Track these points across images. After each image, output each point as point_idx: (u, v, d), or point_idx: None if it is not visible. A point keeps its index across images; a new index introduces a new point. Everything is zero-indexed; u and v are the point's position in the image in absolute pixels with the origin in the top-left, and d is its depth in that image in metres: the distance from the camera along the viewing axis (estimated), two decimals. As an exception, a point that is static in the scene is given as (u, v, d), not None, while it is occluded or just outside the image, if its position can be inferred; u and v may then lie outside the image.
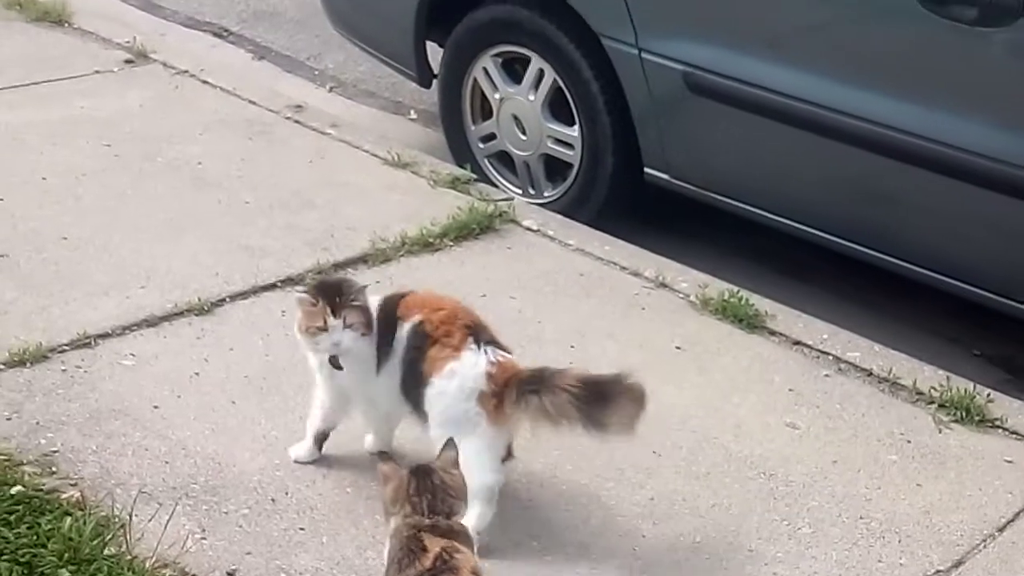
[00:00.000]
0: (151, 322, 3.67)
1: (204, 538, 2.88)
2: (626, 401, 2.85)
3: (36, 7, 5.97)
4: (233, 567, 2.82)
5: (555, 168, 4.79)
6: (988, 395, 3.64)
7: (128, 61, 5.54)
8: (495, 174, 4.94)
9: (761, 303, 4.01)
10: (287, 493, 3.05)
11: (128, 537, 2.81)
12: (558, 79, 4.62)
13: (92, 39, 5.76)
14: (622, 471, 3.22)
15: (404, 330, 2.96)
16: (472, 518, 2.74)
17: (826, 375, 3.73)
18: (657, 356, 3.74)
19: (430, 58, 5.09)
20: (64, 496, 2.92)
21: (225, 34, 6.62)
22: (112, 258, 3.99)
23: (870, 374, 3.73)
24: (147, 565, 2.75)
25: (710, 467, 3.28)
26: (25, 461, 3.03)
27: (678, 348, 3.80)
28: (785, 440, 3.42)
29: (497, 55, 4.79)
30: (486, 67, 4.82)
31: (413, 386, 2.94)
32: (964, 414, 3.55)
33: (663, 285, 4.12)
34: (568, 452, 3.22)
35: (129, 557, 2.76)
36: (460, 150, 5.03)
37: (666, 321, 3.94)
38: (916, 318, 4.32)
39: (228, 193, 4.47)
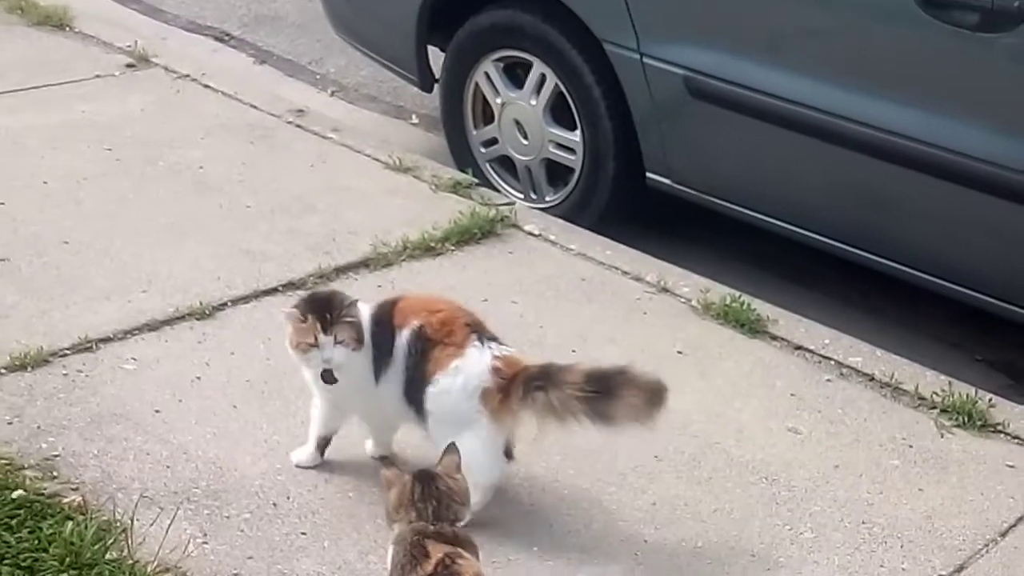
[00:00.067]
0: (152, 326, 3.67)
1: (206, 543, 2.88)
2: (631, 393, 2.86)
3: (37, 11, 5.97)
4: (235, 572, 2.81)
5: (557, 173, 4.79)
6: (990, 400, 3.64)
7: (129, 65, 5.54)
8: (497, 178, 4.94)
9: (763, 308, 4.01)
10: (289, 497, 3.04)
11: (129, 542, 2.80)
12: (560, 84, 4.62)
13: (93, 43, 5.76)
14: (624, 476, 3.22)
15: (404, 336, 2.95)
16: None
17: (828, 380, 3.73)
18: (659, 361, 3.72)
19: (432, 62, 5.09)
20: (65, 500, 2.91)
21: (226, 38, 6.62)
22: (113, 262, 3.99)
23: (872, 379, 3.73)
24: (149, 570, 2.75)
25: (712, 472, 3.28)
26: (26, 465, 3.03)
27: (680, 353, 3.80)
28: (787, 445, 3.42)
29: (499, 60, 4.79)
30: (488, 72, 4.82)
31: (417, 390, 2.94)
32: (966, 419, 3.55)
33: (665, 290, 4.12)
34: (569, 456, 3.22)
35: (131, 562, 2.75)
36: (462, 154, 5.03)
37: (668, 326, 3.94)
38: (918, 323, 4.32)
39: (229, 197, 4.47)
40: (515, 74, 4.79)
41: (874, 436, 3.48)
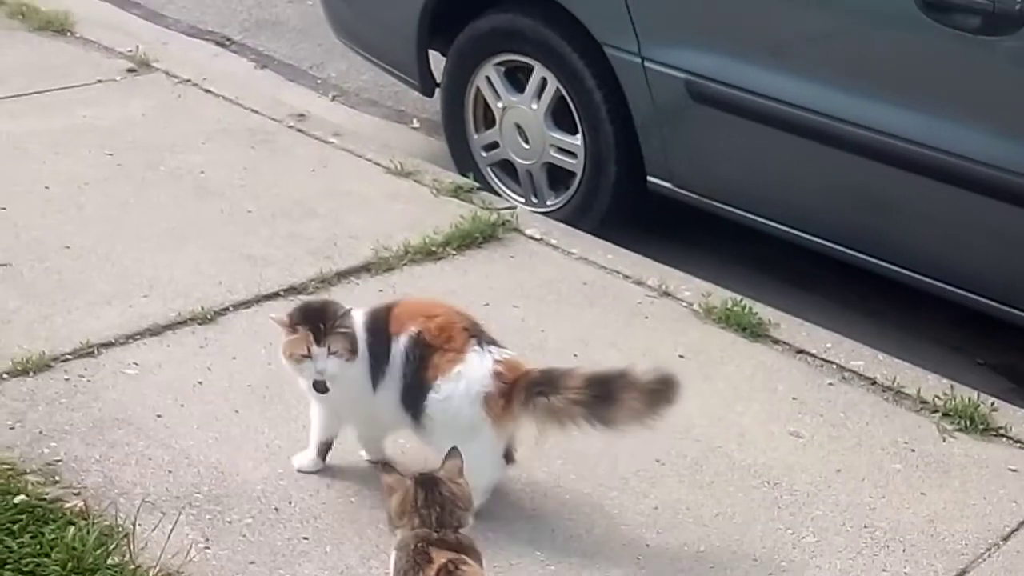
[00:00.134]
0: (154, 331, 3.67)
1: (208, 547, 2.87)
2: (632, 397, 2.87)
3: (39, 16, 5.97)
4: (237, 577, 2.82)
5: (558, 177, 4.79)
6: (992, 404, 3.64)
7: (131, 70, 5.54)
8: (498, 183, 4.94)
9: (764, 312, 4.01)
10: (291, 502, 3.04)
11: (132, 547, 2.80)
12: (561, 88, 4.62)
13: (94, 48, 5.77)
14: (625, 480, 3.22)
15: (401, 343, 2.95)
16: None
17: (830, 384, 3.73)
18: (660, 365, 3.72)
19: (433, 67, 5.10)
20: (67, 505, 2.91)
21: (227, 43, 6.63)
22: (115, 267, 3.99)
23: (874, 383, 3.73)
24: (151, 575, 2.74)
25: (714, 476, 3.28)
26: (28, 470, 3.03)
27: (681, 357, 3.79)
28: (789, 449, 3.42)
29: (500, 64, 4.80)
30: (489, 76, 4.83)
31: (416, 396, 2.94)
32: (968, 423, 3.55)
33: (666, 294, 4.12)
34: (571, 461, 3.22)
35: (133, 567, 2.75)
36: (463, 159, 5.03)
37: (669, 330, 3.94)
38: (920, 327, 4.32)
39: (231, 202, 4.47)
40: (516, 78, 4.79)
41: (876, 440, 3.48)
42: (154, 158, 4.75)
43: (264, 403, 3.37)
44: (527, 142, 4.79)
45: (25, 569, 2.70)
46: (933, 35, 3.69)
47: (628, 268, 4.26)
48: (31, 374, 3.40)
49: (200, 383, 3.45)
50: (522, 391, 2.90)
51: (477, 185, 4.75)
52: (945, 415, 3.59)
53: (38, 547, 2.75)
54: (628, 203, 4.67)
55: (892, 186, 3.94)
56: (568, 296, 4.08)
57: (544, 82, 4.66)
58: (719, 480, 3.27)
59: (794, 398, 3.64)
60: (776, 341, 3.90)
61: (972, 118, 3.75)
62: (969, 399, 3.62)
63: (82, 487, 3.00)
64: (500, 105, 4.83)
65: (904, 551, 3.07)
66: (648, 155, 4.50)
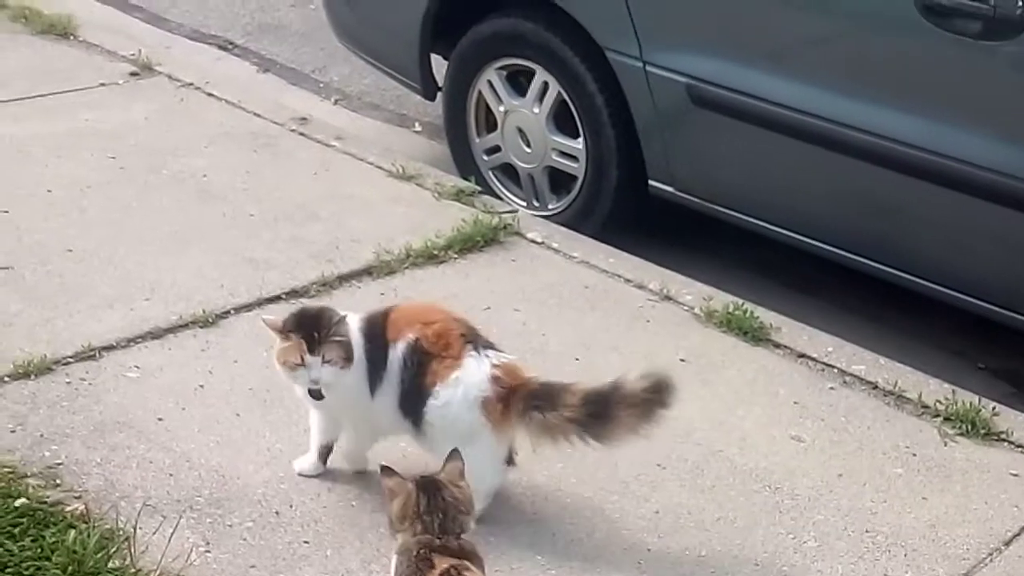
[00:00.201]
0: (155, 334, 3.67)
1: (208, 551, 2.87)
2: (627, 413, 2.87)
3: (42, 20, 5.98)
4: (237, 580, 2.82)
5: (559, 180, 4.79)
6: (993, 408, 3.63)
7: (133, 74, 5.55)
8: (499, 186, 4.95)
9: (766, 316, 4.01)
10: (291, 506, 3.04)
11: (132, 550, 2.80)
12: (562, 92, 4.62)
13: (97, 52, 5.78)
14: (627, 484, 3.21)
15: (399, 350, 2.94)
16: None
17: (831, 388, 3.73)
18: (655, 367, 3.72)
19: (435, 71, 5.10)
20: (68, 509, 2.91)
21: (230, 47, 6.64)
22: (117, 270, 3.99)
23: (875, 387, 3.73)
24: (151, 578, 2.75)
25: (715, 480, 3.28)
26: (29, 473, 3.03)
27: (682, 361, 3.79)
28: (790, 453, 3.41)
29: (502, 68, 4.80)
30: (491, 80, 4.83)
31: (415, 402, 2.93)
32: (969, 427, 3.55)
33: (667, 297, 4.12)
34: (572, 465, 3.21)
35: (133, 570, 2.75)
36: (464, 162, 5.04)
37: (670, 334, 3.94)
38: (921, 331, 4.31)
39: (233, 206, 4.48)
40: (518, 82, 4.80)
41: (878, 444, 3.48)
42: (156, 162, 4.75)
43: (265, 407, 3.37)
44: (529, 146, 4.79)
45: (26, 572, 2.70)
46: (934, 40, 3.69)
47: (629, 272, 4.26)
48: (32, 377, 3.40)
49: (201, 386, 3.46)
50: (520, 401, 2.90)
51: (479, 189, 4.75)
52: (946, 420, 3.59)
53: (39, 550, 2.75)
54: (629, 207, 4.67)
55: (894, 191, 3.94)
56: (569, 300, 4.08)
57: (546, 86, 4.67)
58: (720, 484, 3.26)
59: (795, 402, 3.64)
60: (777, 345, 3.90)
61: (973, 123, 3.75)
62: (971, 404, 3.62)
63: (83, 490, 3.00)
64: (502, 109, 4.83)
65: (906, 555, 3.07)
66: (650, 159, 4.50)
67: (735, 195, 4.38)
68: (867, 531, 3.14)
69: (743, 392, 3.67)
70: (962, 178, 3.75)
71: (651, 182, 4.53)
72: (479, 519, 2.86)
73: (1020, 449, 3.50)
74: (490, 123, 4.93)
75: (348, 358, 2.91)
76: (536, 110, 4.72)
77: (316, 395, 2.97)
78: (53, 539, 2.78)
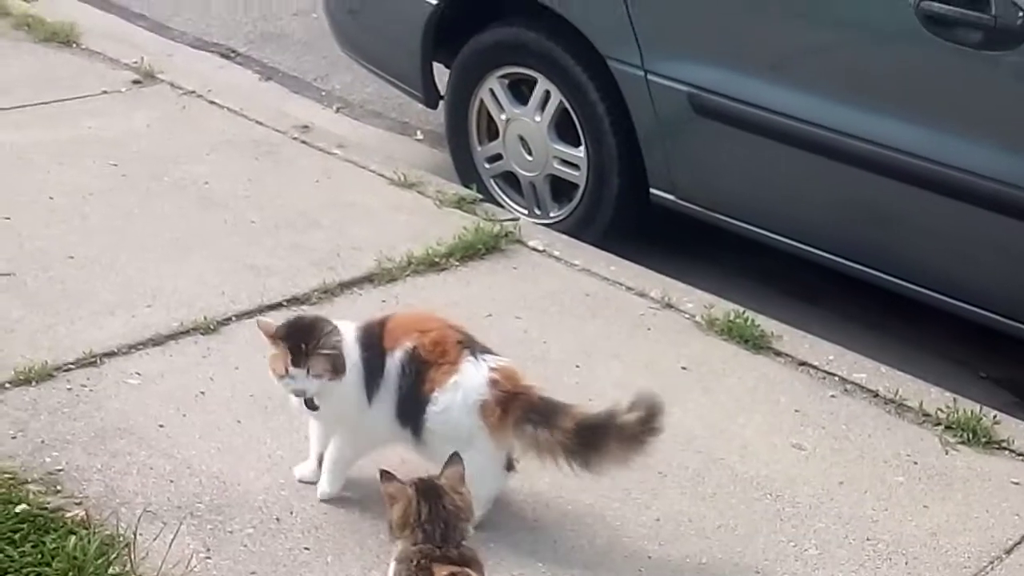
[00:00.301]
0: (157, 341, 3.67)
1: (209, 557, 2.87)
2: (616, 445, 2.88)
3: (44, 27, 5.99)
4: (238, 586, 2.82)
5: (561, 189, 4.80)
6: (995, 417, 3.64)
7: (136, 81, 5.56)
8: (501, 194, 4.95)
9: (767, 324, 4.01)
10: (292, 512, 3.04)
11: (133, 556, 2.80)
12: (564, 100, 4.63)
13: (100, 59, 5.78)
14: (628, 491, 3.21)
15: (396, 358, 2.94)
16: None
17: (832, 396, 3.73)
18: (662, 376, 3.73)
19: (437, 79, 5.11)
20: (69, 515, 2.91)
21: (232, 55, 6.65)
22: (118, 277, 3.99)
23: (876, 395, 3.73)
24: (152, 584, 2.75)
25: (716, 488, 3.28)
26: (30, 479, 3.03)
27: (684, 368, 3.80)
28: (791, 461, 3.41)
29: (503, 76, 4.81)
30: (492, 88, 4.84)
31: (414, 410, 2.93)
32: (971, 436, 3.55)
33: (669, 305, 4.12)
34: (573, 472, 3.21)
35: (134, 576, 2.76)
36: (466, 170, 5.04)
37: (672, 342, 3.94)
38: (922, 340, 4.32)
39: (234, 213, 4.48)
40: (520, 91, 4.80)
41: (879, 452, 3.48)
42: (158, 169, 4.76)
43: (266, 413, 3.37)
44: (530, 154, 4.80)
45: (26, 578, 2.71)
46: (935, 50, 3.69)
47: (631, 280, 4.26)
48: (34, 383, 3.40)
49: (202, 393, 3.46)
50: (519, 409, 2.90)
51: (480, 197, 4.76)
52: (948, 428, 3.59)
53: (39, 556, 2.75)
54: (631, 215, 4.68)
55: (895, 200, 3.94)
56: (571, 308, 4.09)
57: (547, 95, 4.67)
58: (721, 492, 3.26)
59: (796, 410, 3.64)
60: (778, 353, 3.90)
61: (974, 132, 3.75)
62: (972, 412, 3.62)
63: (84, 496, 3.00)
64: (503, 117, 4.84)
65: (907, 564, 3.07)
66: (651, 167, 4.50)
67: (736, 204, 4.39)
68: (868, 539, 3.13)
69: (744, 400, 3.67)
70: (964, 187, 3.75)
71: (652, 190, 4.53)
72: (480, 525, 2.88)
73: (1021, 458, 3.50)
74: (492, 131, 4.94)
75: (337, 370, 2.89)
76: (538, 118, 4.73)
77: (310, 405, 2.96)
78: (54, 545, 2.78)
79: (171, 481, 3.10)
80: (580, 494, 3.18)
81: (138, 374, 3.51)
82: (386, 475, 2.45)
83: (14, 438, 3.19)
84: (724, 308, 4.08)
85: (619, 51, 4.40)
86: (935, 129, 3.79)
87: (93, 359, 3.54)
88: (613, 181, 4.59)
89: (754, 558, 3.05)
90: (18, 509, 2.88)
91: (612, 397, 3.47)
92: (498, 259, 4.33)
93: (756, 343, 3.92)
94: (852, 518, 3.20)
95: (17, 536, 2.80)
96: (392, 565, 2.44)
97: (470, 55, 4.90)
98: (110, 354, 3.58)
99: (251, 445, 3.26)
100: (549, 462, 2.94)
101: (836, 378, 3.80)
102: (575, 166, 4.68)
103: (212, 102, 5.40)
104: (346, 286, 4.05)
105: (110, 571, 2.73)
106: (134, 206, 4.48)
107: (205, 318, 3.76)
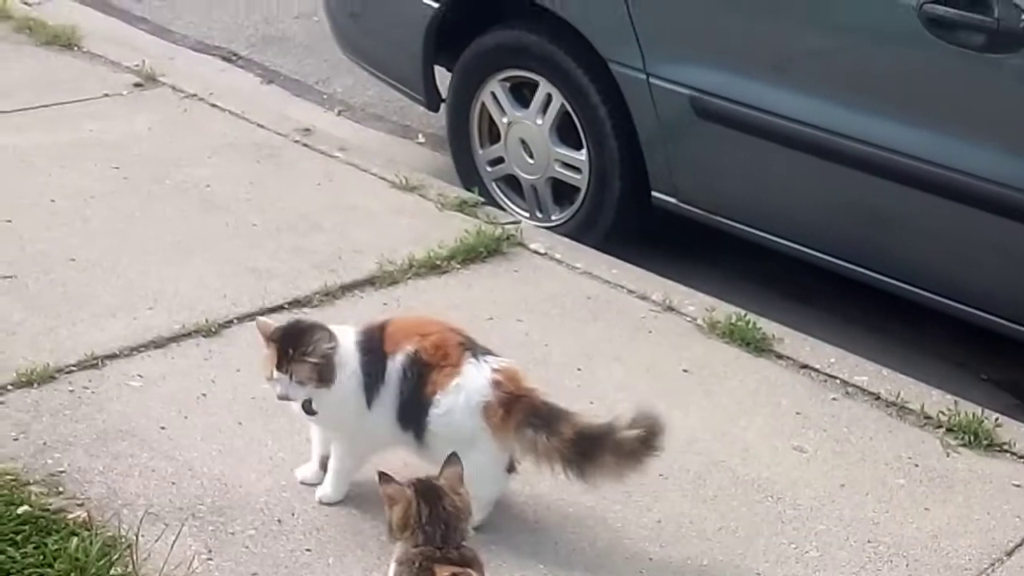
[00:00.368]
0: (158, 343, 3.67)
1: (210, 559, 2.87)
2: (612, 460, 2.88)
3: (46, 30, 5.99)
4: (239, 588, 2.82)
5: (562, 192, 4.80)
6: (996, 419, 3.64)
7: (137, 84, 5.56)
8: (503, 197, 4.95)
9: (768, 327, 4.02)
10: (294, 514, 3.04)
11: (134, 558, 2.80)
12: (566, 103, 4.63)
13: (101, 62, 5.79)
14: (629, 494, 3.21)
15: (398, 362, 2.94)
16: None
17: (833, 399, 3.73)
18: (664, 379, 3.74)
19: (438, 82, 5.11)
20: (71, 516, 2.91)
21: (234, 58, 6.65)
22: (120, 280, 3.99)
23: (878, 398, 3.73)
24: (153, 585, 2.75)
25: (717, 490, 3.28)
26: (32, 481, 3.03)
27: (685, 371, 3.80)
28: (792, 463, 3.41)
29: (505, 79, 4.81)
30: (494, 91, 4.84)
31: (417, 414, 2.93)
32: (972, 438, 3.55)
33: (670, 308, 4.12)
34: (575, 474, 3.21)
35: (135, 577, 2.76)
36: (468, 173, 5.05)
37: (673, 344, 3.94)
38: (923, 342, 4.32)
39: (236, 216, 4.48)
40: (521, 94, 4.80)
41: (880, 455, 3.48)
42: (160, 172, 4.76)
43: (267, 415, 3.37)
44: (532, 157, 4.80)
45: (28, 579, 2.71)
46: (937, 52, 3.70)
47: (632, 283, 4.26)
48: (35, 386, 3.40)
49: (204, 395, 3.46)
50: (521, 412, 2.90)
51: (482, 200, 4.76)
52: (949, 431, 3.59)
53: (41, 557, 2.75)
54: (632, 218, 4.68)
55: (897, 202, 3.95)
56: (572, 310, 4.09)
57: (549, 98, 4.68)
58: (722, 494, 3.26)
59: (798, 413, 3.64)
60: (780, 356, 3.91)
61: (976, 135, 3.75)
62: (973, 415, 3.62)
63: (85, 498, 3.00)
64: (505, 120, 4.84)
65: (908, 566, 3.07)
66: (652, 170, 4.51)
67: (738, 206, 4.39)
68: (869, 541, 3.14)
69: (745, 403, 3.67)
70: (966, 190, 3.75)
71: (654, 193, 4.53)
72: (481, 527, 2.88)
73: (1022, 460, 3.50)
74: (493, 134, 4.94)
75: (322, 379, 2.88)
76: (539, 121, 4.73)
77: (308, 411, 2.97)
78: (55, 546, 2.78)
79: (173, 483, 3.10)
80: (581, 496, 3.17)
81: (140, 376, 3.51)
82: (384, 477, 2.45)
83: (16, 440, 3.19)
84: (726, 311, 4.08)
85: (621, 54, 4.40)
86: (937, 132, 3.79)
87: (95, 361, 3.54)
88: (615, 184, 4.59)
89: (755, 560, 3.05)
90: (20, 510, 2.88)
91: (613, 400, 3.52)
92: (499, 262, 4.34)
93: (758, 346, 3.92)
94: (853, 520, 3.21)
95: (19, 537, 2.80)
96: (392, 567, 2.44)
97: (471, 58, 4.90)
98: (112, 356, 3.58)
99: (252, 447, 3.26)
100: (546, 468, 2.94)
101: (837, 381, 3.80)
102: (577, 169, 4.69)
103: (214, 105, 5.40)
104: (347, 289, 4.05)
105: (112, 572, 2.74)
106: (135, 209, 4.48)
107: (207, 320, 3.77)
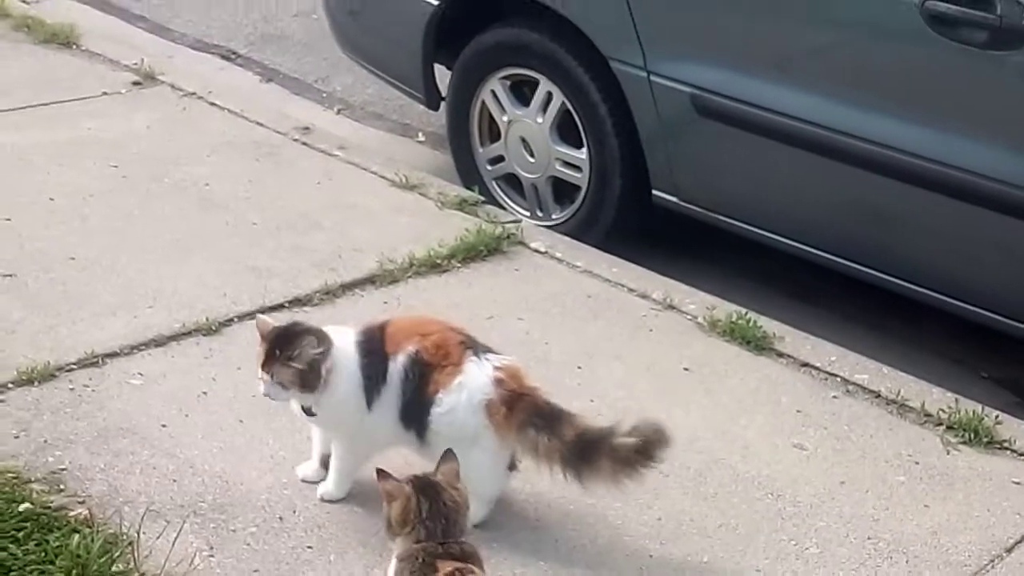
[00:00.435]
0: (159, 342, 3.67)
1: (212, 556, 2.87)
2: (609, 465, 2.88)
3: (44, 29, 5.99)
4: (240, 585, 2.82)
5: (563, 190, 4.80)
6: (996, 417, 3.64)
7: (136, 83, 5.55)
8: (503, 196, 4.95)
9: (769, 325, 4.02)
10: (295, 511, 3.04)
11: (136, 555, 2.80)
12: (566, 102, 4.63)
13: (100, 61, 5.79)
14: (629, 491, 3.20)
15: (399, 363, 2.94)
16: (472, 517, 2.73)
17: (834, 396, 3.73)
18: (665, 378, 3.74)
19: (438, 81, 5.11)
20: (72, 514, 2.91)
21: (233, 56, 6.65)
22: (119, 278, 3.99)
23: (878, 396, 3.73)
24: (155, 583, 2.75)
25: (717, 487, 3.28)
26: (33, 479, 3.03)
27: (686, 370, 3.80)
28: (793, 461, 3.41)
29: (505, 78, 4.81)
30: (494, 90, 4.84)
31: (419, 413, 2.93)
32: (972, 436, 3.55)
33: (671, 307, 4.12)
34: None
35: (137, 575, 2.75)
36: (468, 172, 5.04)
37: (674, 343, 3.94)
38: (924, 340, 4.32)
39: (235, 214, 4.48)
40: (521, 92, 4.80)
41: (880, 452, 3.48)
42: (159, 170, 4.76)
43: (268, 413, 3.36)
44: (532, 156, 4.80)
45: (29, 576, 2.71)
46: (939, 49, 3.70)
47: (633, 281, 4.26)
48: (36, 384, 3.40)
49: (204, 393, 3.46)
50: (523, 411, 2.90)
51: (482, 198, 4.76)
52: (949, 428, 3.59)
53: (43, 555, 2.75)
54: (633, 217, 4.68)
55: (898, 200, 3.95)
56: (572, 309, 4.09)
57: (549, 96, 4.68)
58: (723, 492, 3.27)
59: (798, 411, 3.64)
60: (780, 354, 3.91)
61: (978, 132, 3.75)
62: (973, 412, 3.62)
63: (87, 495, 3.00)
64: (505, 119, 4.84)
65: (907, 563, 3.07)
66: (653, 169, 4.51)
67: (739, 205, 4.39)
68: (869, 538, 3.14)
69: (746, 401, 3.67)
70: (967, 188, 3.75)
71: (655, 192, 4.53)
72: (482, 525, 2.88)
73: (1022, 457, 3.51)
74: (493, 133, 4.94)
75: (304, 385, 2.89)
76: (540, 120, 4.73)
77: (307, 412, 2.98)
78: (57, 544, 2.78)
79: (174, 480, 3.10)
80: (582, 494, 3.17)
81: (140, 374, 3.51)
82: (383, 473, 2.46)
83: (17, 438, 3.19)
84: (726, 309, 4.08)
85: (621, 52, 4.40)
86: (939, 129, 3.79)
87: (95, 359, 3.54)
88: (615, 182, 4.59)
89: (755, 557, 3.05)
90: (21, 508, 2.88)
91: (614, 398, 3.53)
92: (500, 261, 4.34)
93: (758, 344, 3.92)
94: (853, 517, 3.21)
95: (21, 535, 2.81)
96: (393, 563, 2.44)
97: (471, 56, 4.90)
98: (112, 355, 3.58)
99: (253, 445, 3.26)
100: (545, 468, 2.95)
101: (838, 379, 3.81)
102: (577, 168, 4.69)
103: (213, 104, 5.40)
104: (348, 287, 4.05)
105: (113, 569, 2.74)
106: (134, 207, 4.48)
107: (207, 319, 3.77)
